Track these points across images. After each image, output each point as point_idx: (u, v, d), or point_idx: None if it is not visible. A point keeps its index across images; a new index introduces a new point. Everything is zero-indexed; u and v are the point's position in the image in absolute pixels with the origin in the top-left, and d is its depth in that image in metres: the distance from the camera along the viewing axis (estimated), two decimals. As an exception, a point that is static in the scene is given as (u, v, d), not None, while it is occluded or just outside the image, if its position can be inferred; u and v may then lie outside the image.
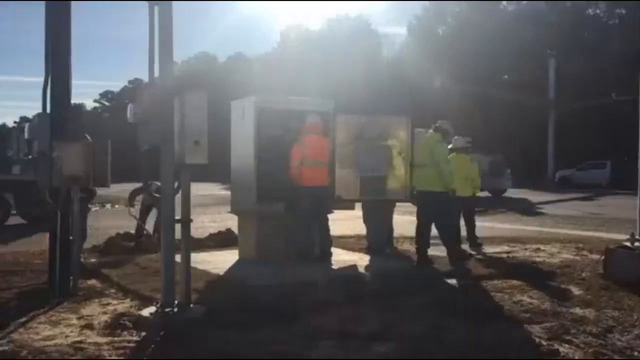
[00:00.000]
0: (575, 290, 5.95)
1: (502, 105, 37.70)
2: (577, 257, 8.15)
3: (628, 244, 7.63)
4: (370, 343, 4.20)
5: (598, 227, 9.40)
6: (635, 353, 3.99)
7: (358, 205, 8.89)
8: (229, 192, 8.71)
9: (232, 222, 9.22)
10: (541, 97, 36.07)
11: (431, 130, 8.06)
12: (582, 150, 35.92)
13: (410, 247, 9.21)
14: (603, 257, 6.84)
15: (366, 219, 9.00)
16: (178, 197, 5.02)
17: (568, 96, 35.29)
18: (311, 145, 7.43)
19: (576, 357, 3.91)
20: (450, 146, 9.70)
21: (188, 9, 49.80)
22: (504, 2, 47.62)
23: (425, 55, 40.70)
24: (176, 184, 5.00)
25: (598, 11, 46.49)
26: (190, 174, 5.11)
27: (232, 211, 8.27)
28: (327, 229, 7.72)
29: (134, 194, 9.64)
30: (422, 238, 7.78)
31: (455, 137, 9.73)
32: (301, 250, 7.56)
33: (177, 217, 5.01)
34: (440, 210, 7.65)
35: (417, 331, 4.47)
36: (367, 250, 8.61)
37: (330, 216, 7.89)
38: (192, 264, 5.39)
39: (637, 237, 7.95)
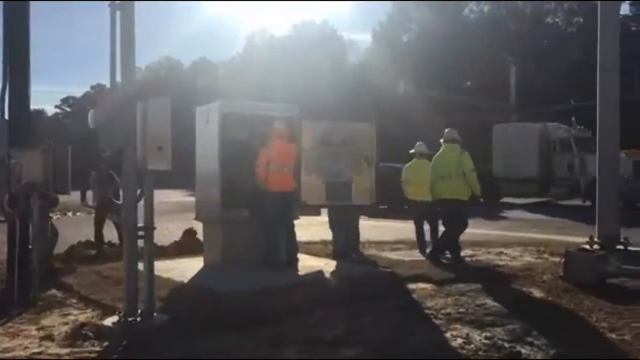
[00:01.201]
0: (537, 293, 6.07)
1: (465, 110, 38.29)
2: (539, 260, 8.31)
3: (587, 246, 7.83)
4: (337, 348, 4.21)
5: (559, 230, 9.63)
6: (595, 353, 4.09)
7: (324, 211, 8.90)
8: (194, 199, 8.63)
9: (197, 229, 9.13)
10: (503, 103, 36.79)
11: (446, 143, 8.44)
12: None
13: (376, 252, 9.28)
14: (563, 260, 6.99)
15: (332, 225, 9.02)
16: (141, 203, 4.95)
17: (529, 102, 36.07)
18: (277, 151, 7.41)
19: (537, 358, 3.99)
20: (411, 151, 9.85)
21: (151, 12, 49.20)
22: (466, 10, 48.46)
23: (390, 62, 41.09)
24: (139, 191, 4.92)
25: (557, 20, 47.76)
26: (154, 180, 5.04)
27: (197, 218, 8.18)
28: (293, 234, 7.71)
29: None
30: (449, 243, 8.30)
31: (418, 143, 9.86)
32: (267, 256, 7.53)
33: (140, 224, 4.94)
34: (459, 215, 8.20)
35: (383, 335, 4.49)
36: (334, 256, 8.61)
37: (296, 222, 7.88)
38: (156, 272, 5.30)
39: (595, 239, 8.17)
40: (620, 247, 7.83)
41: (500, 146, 25.40)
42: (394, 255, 8.92)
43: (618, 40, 8.56)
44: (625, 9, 43.36)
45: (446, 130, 8.67)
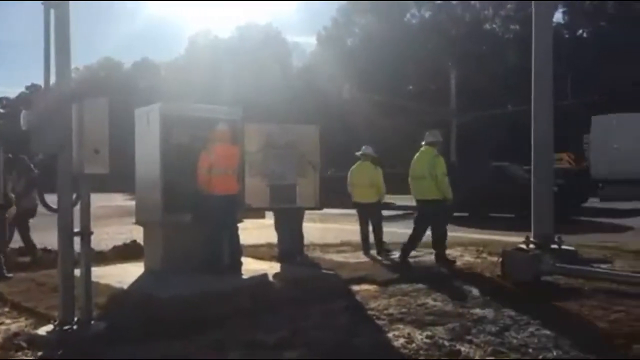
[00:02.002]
0: (476, 292, 6.22)
1: (407, 114, 38.98)
2: (478, 260, 8.54)
3: (523, 246, 8.11)
4: (280, 351, 4.19)
5: (497, 231, 9.92)
6: (530, 350, 4.22)
7: (269, 214, 8.88)
8: (134, 203, 8.43)
9: (138, 234, 8.91)
10: (443, 107, 37.68)
11: (425, 146, 8.54)
12: (482, 157, 37.81)
13: (320, 254, 9.32)
14: (500, 259, 7.20)
15: (277, 227, 9.00)
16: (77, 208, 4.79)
17: (468, 106, 37.08)
18: (219, 154, 7.33)
19: (476, 356, 4.09)
20: (358, 153, 9.97)
21: (91, 12, 47.88)
22: (408, 15, 49.42)
23: (334, 65, 41.40)
24: (75, 195, 4.76)
25: (495, 26, 49.35)
26: (91, 184, 4.89)
27: (138, 222, 7.99)
28: (236, 238, 7.64)
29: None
30: (414, 242, 8.44)
31: (364, 147, 9.98)
32: (211, 260, 7.42)
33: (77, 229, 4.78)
34: (437, 216, 8.33)
35: (327, 337, 4.51)
36: (279, 259, 8.59)
37: (240, 225, 7.81)
38: (94, 278, 5.15)
39: (531, 239, 8.47)
40: (554, 246, 8.17)
41: (600, 141, 21.53)
42: (338, 257, 8.98)
43: (551, 47, 8.92)
44: (558, 17, 45.30)
45: (427, 133, 8.77)
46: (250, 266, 7.83)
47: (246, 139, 7.93)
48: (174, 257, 7.36)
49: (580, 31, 47.67)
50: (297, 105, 32.49)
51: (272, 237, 9.74)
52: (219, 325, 4.87)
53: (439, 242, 8.41)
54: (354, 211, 10.18)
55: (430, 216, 8.38)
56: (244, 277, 7.25)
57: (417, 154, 8.71)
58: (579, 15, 46.49)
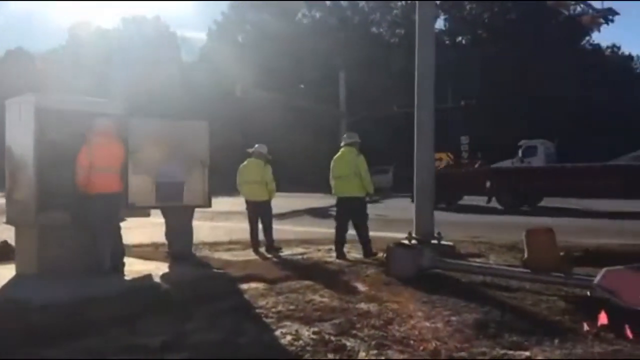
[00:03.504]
0: (361, 287, 6.40)
1: (299, 113, 39.40)
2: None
3: (406, 241, 8.47)
4: (163, 354, 4.06)
5: (383, 227, 10.30)
6: (412, 342, 4.39)
7: (155, 212, 8.57)
8: (3, 201, 7.78)
9: (10, 234, 8.23)
10: (334, 107, 38.44)
11: (346, 146, 9.03)
12: (370, 157, 39.06)
13: (209, 253, 9.16)
14: (385, 255, 7.46)
15: (166, 226, 8.72)
16: None
17: (357, 107, 38.11)
18: (101, 150, 6.96)
19: (361, 350, 4.20)
20: (249, 150, 9.92)
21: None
22: (299, 15, 49.90)
23: (225, 61, 40.90)
24: None
25: (382, 30, 51.11)
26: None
27: (9, 222, 7.39)
28: (119, 238, 7.31)
29: None
30: (341, 237, 8.87)
31: (257, 145, 9.95)
32: (91, 262, 7.04)
33: None
34: (360, 211, 8.89)
35: (213, 338, 4.42)
36: (167, 258, 8.34)
37: (123, 224, 7.49)
38: (-45, 284, 4.70)
39: (414, 235, 8.88)
40: (435, 241, 8.61)
41: None
42: (227, 256, 8.89)
43: (434, 53, 9.37)
44: (440, 24, 47.80)
45: (345, 135, 9.27)
46: (135, 267, 7.52)
47: (130, 135, 7.60)
48: (50, 259, 6.89)
49: (460, 38, 50.62)
50: (187, 101, 31.70)
51: (158, 236, 9.44)
52: (98, 331, 4.62)
53: (366, 238, 8.79)
54: (244, 209, 10.12)
55: (353, 212, 8.85)
56: (127, 279, 6.96)
57: (339, 154, 9.10)
58: (459, 23, 49.36)
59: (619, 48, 55.23)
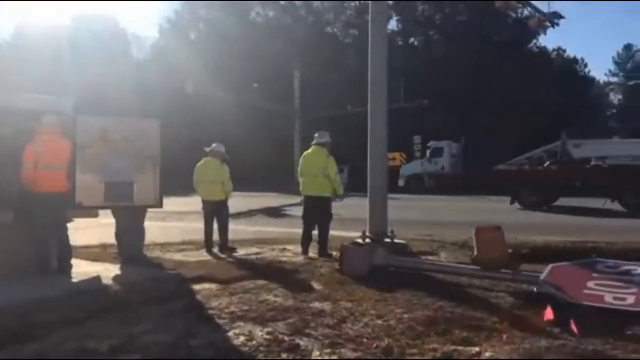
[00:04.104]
0: (316, 286, 6.40)
1: (253, 112, 39.16)
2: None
3: (360, 240, 8.52)
4: (112, 357, 3.95)
5: (338, 226, 10.29)
6: (365, 340, 4.42)
7: (103, 213, 8.36)
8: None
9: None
10: (288, 106, 38.40)
11: (315, 146, 9.01)
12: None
13: (161, 254, 9.00)
14: (338, 254, 7.49)
15: (117, 226, 8.52)
16: None
17: (312, 106, 38.18)
18: (46, 148, 6.75)
19: (314, 349, 4.20)
20: (207, 149, 9.80)
21: None
22: (253, 13, 49.60)
23: (177, 59, 40.27)
24: None
25: (336, 30, 51.34)
26: None
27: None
28: (66, 238, 7.09)
29: None
30: (308, 236, 8.94)
31: (215, 144, 9.83)
32: (36, 263, 6.81)
33: None
34: (325, 211, 8.94)
35: (164, 340, 4.34)
36: (116, 260, 8.14)
37: (70, 225, 7.27)
38: None
39: (367, 234, 8.94)
40: (388, 240, 8.70)
41: None
42: (180, 257, 8.75)
43: (386, 53, 9.47)
44: (393, 24, 48.36)
45: (316, 134, 9.16)
46: (82, 269, 7.33)
47: (78, 133, 7.40)
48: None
49: (412, 39, 51.35)
50: (138, 98, 31.04)
51: (107, 237, 9.22)
52: (45, 334, 4.47)
53: (325, 238, 8.82)
54: (198, 209, 9.99)
55: (319, 211, 8.89)
56: (74, 280, 6.77)
57: (308, 153, 9.12)
58: (411, 24, 50.06)
59: (564, 51, 57.19)
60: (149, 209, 8.52)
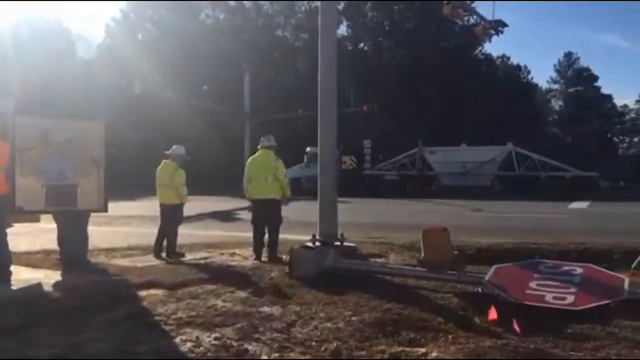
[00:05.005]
0: (265, 290, 6.36)
1: (203, 114, 38.66)
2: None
3: (310, 243, 8.52)
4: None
5: (286, 230, 10.25)
6: (314, 343, 4.43)
7: (46, 217, 8.09)
8: None
9: None
10: (239, 109, 38.09)
11: (263, 149, 9.12)
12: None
13: (106, 259, 8.77)
14: (288, 258, 7.48)
15: (59, 231, 8.24)
16: None
17: (262, 109, 38.01)
18: (-16, 150, 6.48)
19: (263, 354, 4.17)
20: (167, 152, 9.62)
21: None
22: (202, 15, 49.04)
23: (124, 60, 39.40)
24: None
25: (286, 34, 51.35)
26: None
27: None
28: (4, 244, 6.82)
29: None
30: (259, 241, 8.94)
31: (174, 147, 9.66)
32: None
33: None
34: (274, 214, 8.94)
35: (108, 348, 4.23)
36: (58, 266, 7.88)
37: (9, 230, 7.00)
38: None
39: (317, 237, 8.94)
40: (338, 243, 8.73)
41: None
42: (125, 262, 8.54)
43: (336, 57, 9.51)
44: (343, 29, 48.77)
45: (262, 138, 9.31)
46: (23, 276, 7.07)
47: (18, 134, 7.12)
48: None
49: (362, 44, 51.91)
50: (83, 99, 30.19)
51: (48, 242, 8.92)
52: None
53: (275, 242, 8.85)
54: (145, 213, 9.79)
55: (268, 214, 8.91)
56: (14, 288, 6.52)
57: (256, 157, 9.22)
58: (360, 29, 50.59)
59: (508, 58, 59.00)
60: (95, 213, 8.28)
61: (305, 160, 33.72)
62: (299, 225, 10.72)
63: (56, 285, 6.80)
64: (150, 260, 8.83)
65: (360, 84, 36.81)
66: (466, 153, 33.13)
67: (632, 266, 7.62)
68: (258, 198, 9.02)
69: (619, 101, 67.07)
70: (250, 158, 9.30)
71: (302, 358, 4.12)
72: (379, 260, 8.61)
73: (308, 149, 33.66)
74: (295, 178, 34.36)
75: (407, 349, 4.26)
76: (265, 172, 8.94)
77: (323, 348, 4.28)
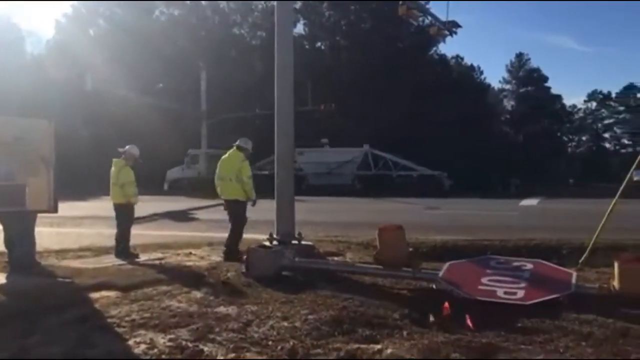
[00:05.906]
0: (221, 290, 6.30)
1: (158, 112, 38.00)
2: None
3: (267, 243, 8.50)
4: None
5: (248, 229, 10.13)
6: (270, 342, 4.41)
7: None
8: None
9: None
10: (195, 107, 37.63)
11: (235, 149, 9.06)
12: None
13: (56, 261, 8.52)
14: (245, 257, 7.43)
15: (5, 232, 7.95)
16: None
17: (219, 107, 37.66)
18: None
19: (218, 354, 4.13)
20: (120, 149, 9.42)
21: None
22: (157, 12, 48.16)
23: (75, 56, 38.36)
24: None
25: (243, 32, 50.93)
26: None
27: None
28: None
29: None
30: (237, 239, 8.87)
31: (128, 146, 9.46)
32: None
33: None
34: (238, 215, 8.89)
35: (58, 352, 4.11)
36: (5, 268, 7.61)
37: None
38: None
39: (275, 236, 8.94)
40: (295, 242, 8.74)
41: None
42: (77, 264, 8.32)
43: (292, 54, 9.52)
44: (300, 28, 48.72)
45: (240, 139, 9.30)
46: (-33, 279, 6.80)
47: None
48: None
49: (320, 43, 51.97)
50: (29, 96, 29.28)
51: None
52: None
53: (235, 243, 8.77)
54: (98, 213, 9.56)
55: (232, 215, 8.93)
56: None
57: (225, 157, 9.18)
58: (317, 28, 50.65)
59: (462, 58, 60.07)
60: (45, 214, 8.03)
61: (186, 161, 35.39)
62: (262, 224, 10.54)
63: (2, 287, 6.58)
64: (102, 261, 8.61)
65: (317, 83, 36.83)
66: (329, 154, 35.46)
67: (580, 261, 7.90)
68: (223, 198, 9.05)
69: (568, 101, 69.40)
70: (222, 157, 9.27)
71: (259, 358, 4.09)
72: (336, 258, 8.65)
73: (189, 150, 35.53)
74: (177, 179, 36.10)
75: (362, 346, 4.29)
76: (229, 173, 8.92)
77: (279, 347, 4.27)
